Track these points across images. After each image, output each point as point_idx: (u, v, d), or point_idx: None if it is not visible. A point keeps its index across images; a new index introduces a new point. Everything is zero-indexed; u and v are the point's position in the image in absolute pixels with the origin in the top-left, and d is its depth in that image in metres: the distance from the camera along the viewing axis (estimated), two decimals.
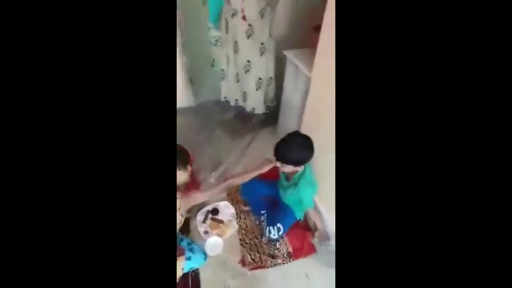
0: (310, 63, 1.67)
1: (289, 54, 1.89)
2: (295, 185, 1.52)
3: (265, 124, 2.48)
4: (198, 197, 1.32)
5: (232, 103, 2.34)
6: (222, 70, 2.23)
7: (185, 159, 1.31)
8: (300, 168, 1.48)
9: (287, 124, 2.12)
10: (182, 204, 1.25)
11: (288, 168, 1.46)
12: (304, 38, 2.11)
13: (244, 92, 2.25)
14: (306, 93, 1.74)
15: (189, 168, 1.32)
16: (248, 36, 1.90)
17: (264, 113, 2.40)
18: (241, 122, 2.50)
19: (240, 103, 2.35)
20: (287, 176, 1.60)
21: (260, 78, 2.12)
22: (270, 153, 2.17)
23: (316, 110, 1.63)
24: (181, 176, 1.29)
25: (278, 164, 1.40)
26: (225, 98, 2.41)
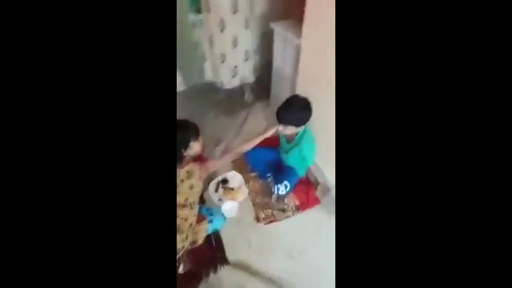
0: (298, 33, 1.74)
1: (276, 26, 2.00)
2: (298, 144, 1.62)
3: (257, 99, 2.62)
4: (214, 164, 1.42)
5: (218, 84, 2.35)
6: (204, 53, 2.28)
7: (196, 130, 1.34)
8: (301, 129, 1.59)
9: (280, 94, 2.22)
10: (202, 173, 1.34)
11: (290, 130, 1.56)
12: (285, 10, 2.27)
13: (235, 67, 2.27)
14: (296, 62, 1.84)
15: (200, 139, 1.41)
16: (234, 12, 1.98)
17: (253, 87, 2.52)
18: (234, 100, 2.61)
19: (226, 84, 2.33)
20: (288, 139, 1.71)
21: (247, 51, 2.20)
22: (265, 124, 2.38)
23: (309, 75, 1.71)
24: (195, 147, 1.33)
25: (280, 127, 1.52)
26: (208, 80, 2.45)
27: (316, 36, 1.49)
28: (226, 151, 2.10)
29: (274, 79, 2.27)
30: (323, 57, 1.47)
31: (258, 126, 2.34)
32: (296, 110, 1.47)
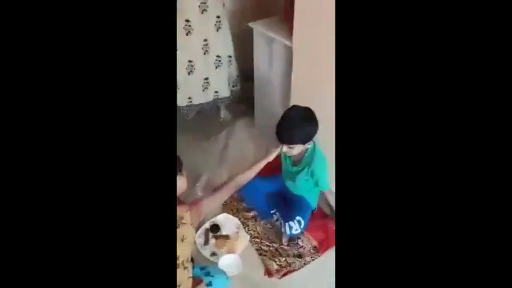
0: (284, 33, 1.65)
1: (256, 26, 1.83)
2: (309, 165, 1.50)
3: (236, 117, 2.43)
4: (208, 204, 1.26)
5: (184, 103, 2.12)
6: None
7: (178, 162, 1.22)
8: (309, 145, 1.47)
9: (267, 109, 2.08)
10: (193, 217, 1.18)
11: (297, 149, 1.44)
12: (264, 6, 2.10)
13: (206, 79, 2.10)
14: (285, 68, 1.73)
15: (185, 173, 1.24)
16: (202, 11, 1.84)
17: (230, 103, 2.31)
18: (208, 121, 2.40)
19: (196, 100, 2.14)
20: (294, 161, 1.58)
21: (218, 56, 2.04)
22: (252, 147, 2.21)
23: (305, 83, 1.64)
24: (179, 182, 1.19)
25: (285, 148, 1.39)
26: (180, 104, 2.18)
27: (310, 34, 1.44)
28: (210, 187, 1.88)
29: (257, 91, 2.14)
30: (320, 60, 1.40)
31: (244, 150, 2.17)
32: (301, 124, 1.36)
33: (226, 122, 2.43)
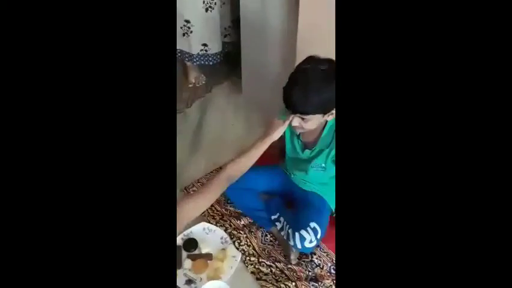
0: None
1: None
2: (327, 146, 1.48)
3: (215, 81, 2.40)
4: (189, 210, 1.20)
5: None
6: None
7: None
8: (331, 117, 1.40)
9: (260, 65, 2.07)
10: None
11: (314, 123, 1.37)
12: None
13: (187, 22, 2.10)
14: (289, 9, 1.74)
15: None
16: None
17: (219, 56, 2.27)
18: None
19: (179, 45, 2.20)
20: (306, 142, 1.53)
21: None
22: (239, 123, 2.25)
23: (320, 28, 1.58)
24: None
25: (295, 121, 1.33)
26: None
27: None
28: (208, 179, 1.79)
29: (245, 41, 2.13)
30: None
31: (227, 128, 2.19)
32: (322, 83, 1.27)
33: (199, 87, 2.40)
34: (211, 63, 2.24)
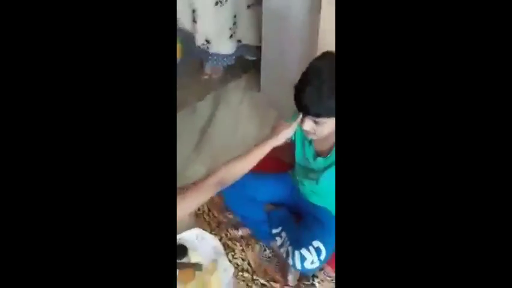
0: None
1: None
2: None
3: (232, 75, 2.38)
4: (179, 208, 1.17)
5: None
6: None
7: None
8: None
9: (282, 60, 2.05)
10: None
11: (328, 127, 1.31)
12: None
13: (193, 11, 2.12)
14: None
15: None
16: None
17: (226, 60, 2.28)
18: (188, 75, 2.38)
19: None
20: (319, 150, 1.47)
21: None
22: (255, 123, 2.22)
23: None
24: None
25: (307, 125, 1.28)
26: None
27: None
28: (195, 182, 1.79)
29: (266, 34, 2.11)
30: None
31: (241, 128, 2.16)
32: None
33: (214, 80, 2.37)
34: (215, 63, 2.26)
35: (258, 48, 2.24)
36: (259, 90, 2.32)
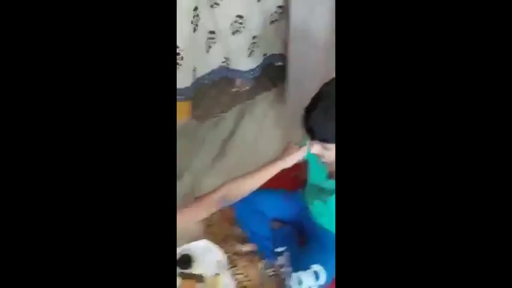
0: None
1: None
2: None
3: (260, 88, 2.38)
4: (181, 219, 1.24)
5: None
6: None
7: None
8: None
9: (308, 75, 2.02)
10: None
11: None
12: None
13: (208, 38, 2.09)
14: None
15: None
16: None
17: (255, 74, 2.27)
18: (213, 91, 2.39)
19: (200, 66, 2.19)
20: (331, 171, 1.46)
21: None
22: (278, 136, 2.21)
23: None
24: None
25: (315, 149, 1.28)
26: None
27: None
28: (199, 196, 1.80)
29: (294, 49, 2.07)
30: None
31: (263, 141, 2.16)
32: None
33: (241, 92, 2.39)
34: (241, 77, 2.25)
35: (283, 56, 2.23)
36: (284, 104, 2.32)
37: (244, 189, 1.32)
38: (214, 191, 1.30)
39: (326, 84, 1.29)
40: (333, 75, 1.40)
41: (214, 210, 1.32)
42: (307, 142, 1.30)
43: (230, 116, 2.28)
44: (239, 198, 1.32)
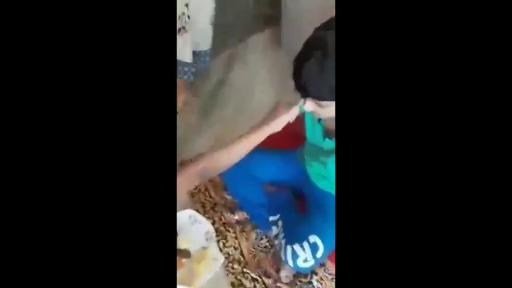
0: None
1: None
2: None
3: (254, 24, 2.30)
4: None
5: None
6: None
7: None
8: None
9: (307, 11, 1.95)
10: None
11: (334, 109, 1.20)
12: None
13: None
14: None
15: None
16: None
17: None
18: None
19: None
20: (329, 129, 1.39)
21: None
22: (275, 85, 2.11)
23: None
24: None
25: (309, 106, 1.20)
26: None
27: None
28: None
29: None
30: None
31: (258, 91, 2.05)
32: None
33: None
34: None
35: None
36: (280, 48, 2.20)
37: (225, 161, 1.29)
38: (192, 163, 1.27)
39: (321, 27, 1.17)
40: (333, 13, 1.19)
41: (195, 184, 1.31)
42: (301, 101, 1.21)
43: (218, 64, 2.17)
44: (219, 171, 1.31)
